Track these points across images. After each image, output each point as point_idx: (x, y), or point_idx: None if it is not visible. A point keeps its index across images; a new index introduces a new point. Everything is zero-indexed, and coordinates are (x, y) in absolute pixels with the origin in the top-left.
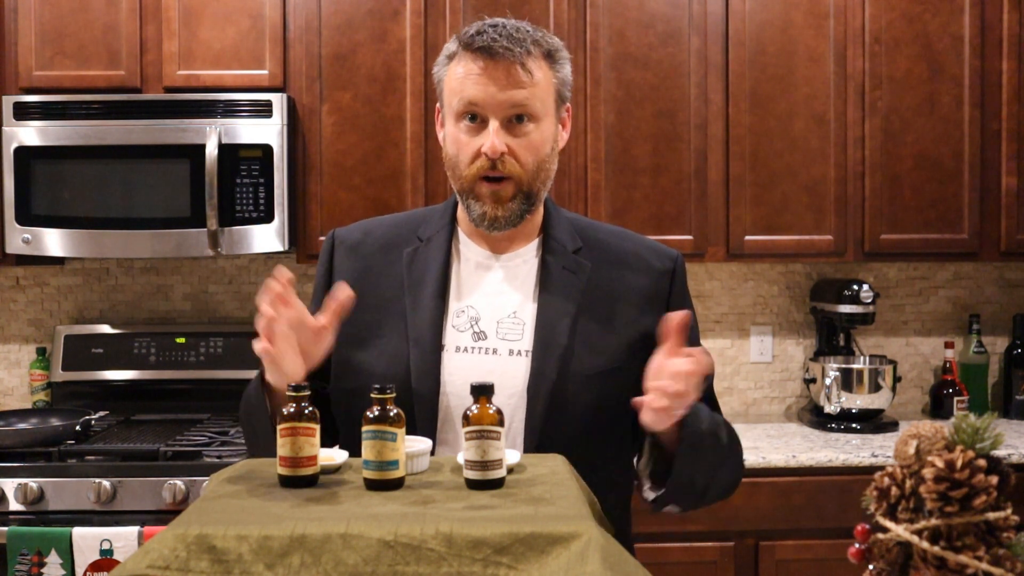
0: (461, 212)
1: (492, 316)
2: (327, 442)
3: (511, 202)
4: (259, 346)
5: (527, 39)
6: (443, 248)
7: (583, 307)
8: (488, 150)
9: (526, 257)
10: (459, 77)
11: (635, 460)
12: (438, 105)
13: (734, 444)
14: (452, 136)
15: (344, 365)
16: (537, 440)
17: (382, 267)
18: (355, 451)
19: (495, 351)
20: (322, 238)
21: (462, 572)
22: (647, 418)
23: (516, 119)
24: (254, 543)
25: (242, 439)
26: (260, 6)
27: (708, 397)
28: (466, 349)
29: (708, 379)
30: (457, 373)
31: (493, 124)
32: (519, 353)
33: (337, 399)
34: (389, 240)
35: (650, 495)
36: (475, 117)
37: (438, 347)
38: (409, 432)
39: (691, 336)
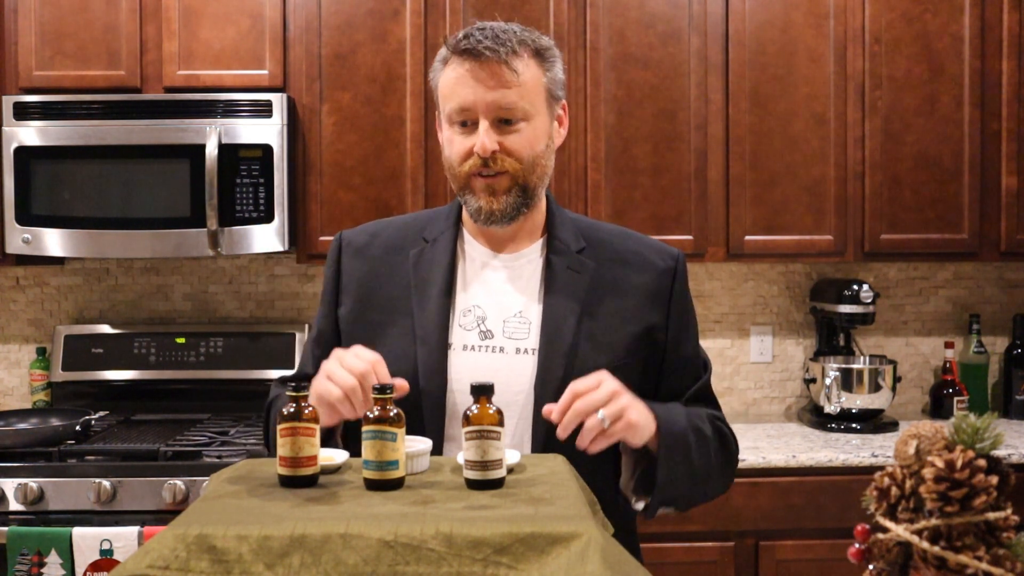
0: (466, 213)
1: (498, 315)
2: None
3: (506, 195)
4: (333, 398)
5: (512, 39)
6: (448, 248)
7: (588, 305)
8: (479, 149)
9: (531, 257)
10: (450, 82)
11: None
12: (437, 111)
13: (723, 436)
14: (448, 138)
15: None
16: (544, 438)
17: (389, 268)
18: None
19: (502, 350)
20: (322, 238)
21: (462, 572)
22: (595, 448)
23: (505, 121)
24: (254, 543)
25: (242, 439)
26: (260, 6)
27: (704, 396)
28: (473, 348)
29: (704, 377)
30: (464, 371)
31: (483, 124)
32: (526, 351)
33: None
34: (395, 242)
35: (639, 505)
36: (466, 121)
37: (445, 345)
38: (417, 429)
39: (690, 337)
